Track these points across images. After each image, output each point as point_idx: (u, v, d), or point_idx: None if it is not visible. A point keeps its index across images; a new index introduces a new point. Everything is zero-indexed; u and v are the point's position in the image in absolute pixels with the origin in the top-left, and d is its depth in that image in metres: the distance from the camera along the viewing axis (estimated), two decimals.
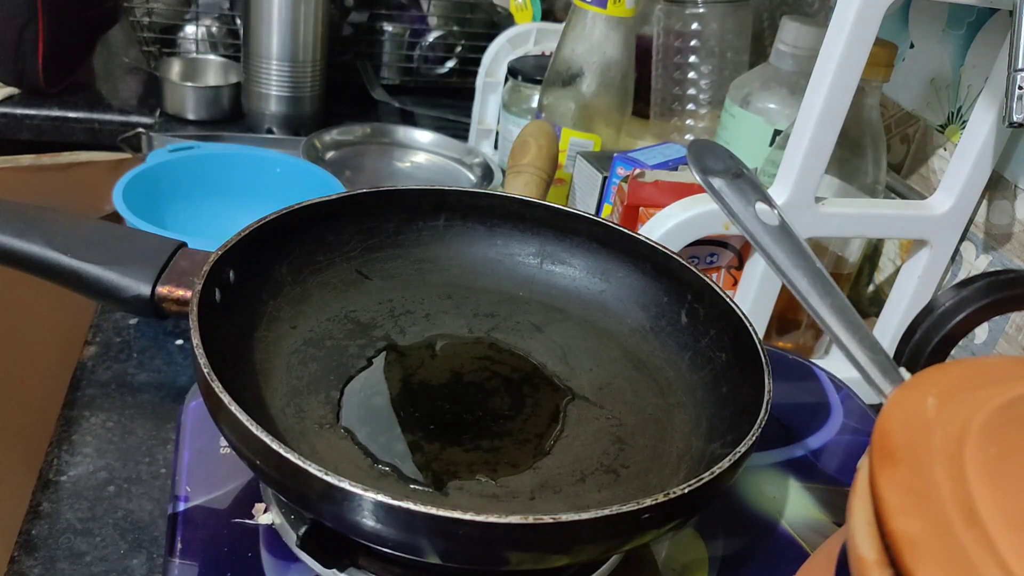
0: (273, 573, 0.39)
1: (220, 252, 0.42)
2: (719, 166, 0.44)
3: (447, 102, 1.08)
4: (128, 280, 0.43)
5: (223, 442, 0.45)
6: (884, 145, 0.64)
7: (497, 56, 0.93)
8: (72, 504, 0.47)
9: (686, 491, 0.33)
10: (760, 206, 0.42)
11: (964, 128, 0.60)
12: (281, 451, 0.32)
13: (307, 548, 0.39)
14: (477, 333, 0.50)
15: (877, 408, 0.26)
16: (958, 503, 0.21)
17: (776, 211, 0.42)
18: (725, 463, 0.34)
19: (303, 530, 0.39)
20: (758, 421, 0.37)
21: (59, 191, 1.01)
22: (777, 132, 0.67)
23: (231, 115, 0.99)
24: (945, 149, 0.69)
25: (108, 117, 1.02)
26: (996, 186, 0.63)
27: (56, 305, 0.84)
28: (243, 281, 0.44)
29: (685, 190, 0.60)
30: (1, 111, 1.00)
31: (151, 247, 0.44)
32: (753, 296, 0.60)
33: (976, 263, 0.65)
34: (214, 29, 1.08)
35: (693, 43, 0.77)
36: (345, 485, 0.31)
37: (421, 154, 0.91)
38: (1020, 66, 0.49)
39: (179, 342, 0.59)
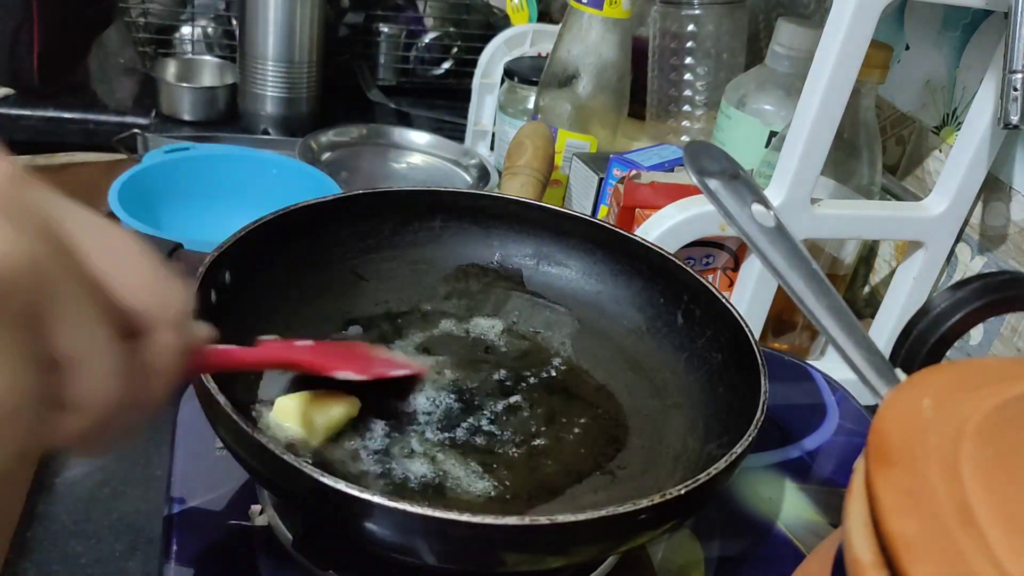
0: (269, 574, 0.39)
1: (216, 254, 0.42)
2: (715, 167, 0.44)
3: (443, 103, 1.08)
4: None
5: (218, 444, 0.45)
6: (880, 146, 0.64)
7: (493, 57, 0.93)
8: (67, 506, 0.47)
9: (682, 492, 0.33)
10: (756, 207, 0.42)
11: (959, 130, 0.60)
12: (276, 452, 0.32)
13: (303, 550, 0.39)
14: (473, 334, 0.50)
15: (873, 409, 0.26)
16: (954, 504, 0.21)
17: (772, 212, 0.42)
18: (721, 464, 0.34)
19: (299, 532, 0.39)
20: (754, 422, 0.37)
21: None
22: (773, 133, 0.67)
23: (227, 116, 0.99)
24: (940, 151, 0.69)
25: (103, 118, 1.02)
26: (991, 188, 0.63)
27: None
28: (239, 283, 0.44)
29: (681, 191, 0.60)
30: None
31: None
32: (749, 297, 0.60)
33: (971, 264, 0.65)
34: (210, 30, 1.07)
35: (689, 45, 0.77)
36: (341, 487, 0.31)
37: (417, 155, 0.91)
38: (1015, 67, 0.50)
39: None
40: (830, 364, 0.62)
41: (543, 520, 0.31)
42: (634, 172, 0.65)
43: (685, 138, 0.79)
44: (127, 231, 0.26)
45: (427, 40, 1.11)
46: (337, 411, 0.41)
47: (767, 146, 0.67)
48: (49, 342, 0.22)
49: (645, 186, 0.62)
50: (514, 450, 0.43)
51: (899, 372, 0.35)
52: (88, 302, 0.23)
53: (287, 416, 0.41)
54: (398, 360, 0.44)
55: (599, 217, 0.67)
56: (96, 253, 0.24)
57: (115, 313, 0.24)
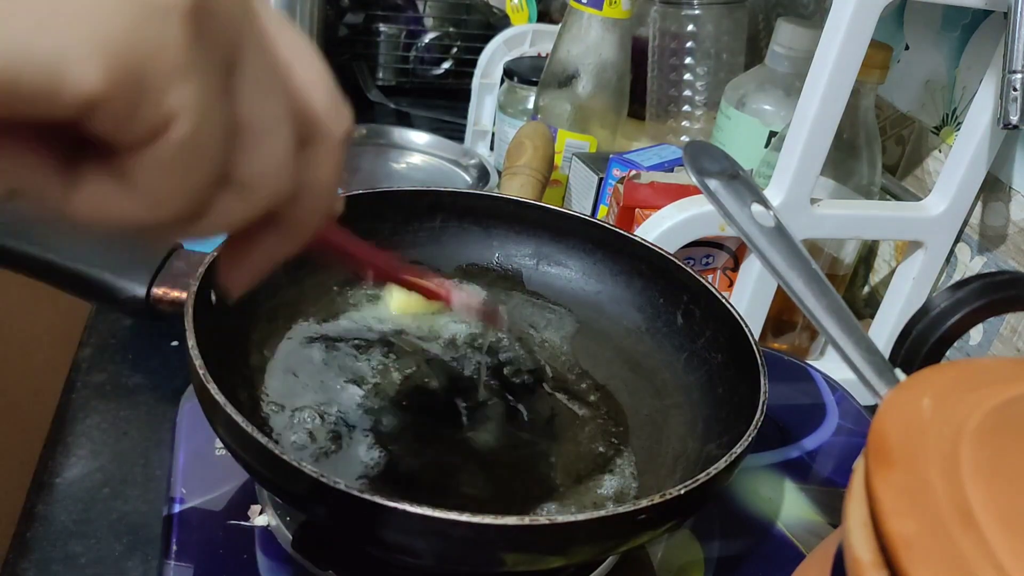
0: (268, 575, 0.39)
1: (216, 253, 0.42)
2: (715, 167, 0.44)
3: (443, 103, 1.08)
4: (123, 282, 0.43)
5: (218, 444, 0.45)
6: (879, 147, 0.64)
7: (493, 57, 0.93)
8: (67, 506, 0.47)
9: (682, 492, 0.33)
10: (756, 207, 0.42)
11: (959, 130, 0.60)
12: (276, 452, 0.32)
13: (303, 550, 0.39)
14: (473, 334, 0.50)
15: (872, 409, 0.26)
16: (953, 504, 0.21)
17: (772, 212, 0.42)
18: (721, 464, 0.34)
19: (298, 531, 0.39)
20: (754, 422, 0.37)
21: None
22: (773, 133, 0.67)
23: None
24: (940, 151, 0.69)
25: None
26: (991, 188, 0.63)
27: (51, 306, 0.84)
28: None
29: (681, 191, 0.60)
30: None
31: (146, 248, 0.44)
32: (749, 297, 0.60)
33: (971, 264, 0.65)
34: None
35: (689, 44, 0.77)
36: (340, 487, 0.31)
37: (417, 155, 0.91)
38: (1015, 67, 0.50)
39: (174, 343, 0.59)
40: (830, 364, 0.62)
41: (543, 520, 0.31)
42: (634, 172, 0.65)
43: (685, 138, 0.79)
44: (312, 47, 0.24)
45: (427, 40, 1.11)
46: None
47: (767, 146, 0.67)
48: (234, 99, 0.21)
49: (645, 186, 0.62)
50: (514, 450, 0.43)
51: (899, 372, 0.35)
52: (274, 71, 0.22)
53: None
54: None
55: (599, 217, 0.67)
56: (279, 38, 0.23)
57: (292, 104, 0.23)
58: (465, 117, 0.96)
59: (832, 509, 0.47)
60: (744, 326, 0.44)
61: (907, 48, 0.72)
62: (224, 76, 0.20)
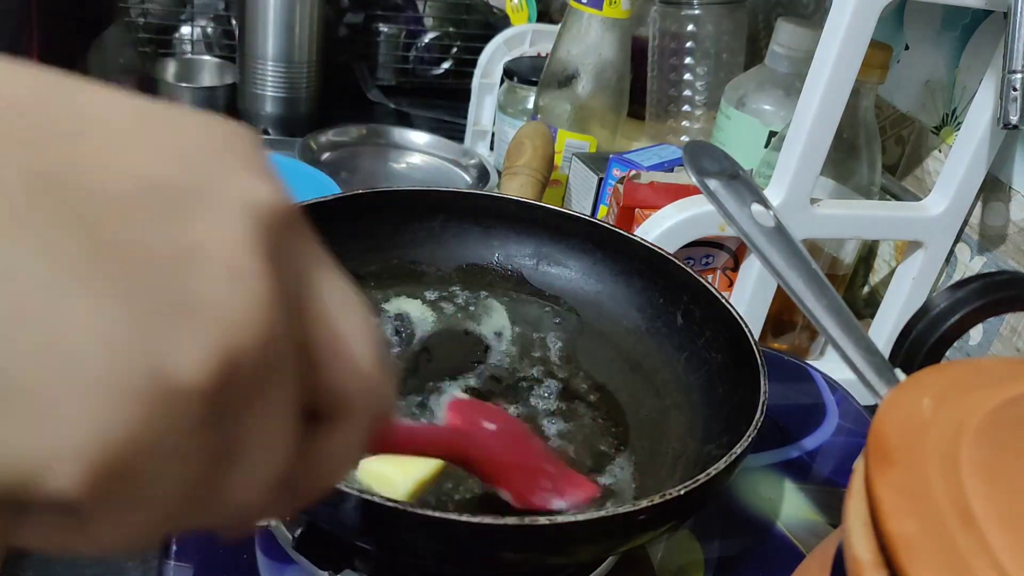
0: (268, 575, 0.39)
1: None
2: (715, 167, 0.44)
3: (443, 103, 1.08)
4: None
5: None
6: (879, 147, 0.64)
7: (493, 57, 0.93)
8: None
9: (682, 493, 0.33)
10: (756, 207, 0.42)
11: (959, 130, 0.60)
12: None
13: (303, 550, 0.39)
14: (473, 335, 0.50)
15: (872, 409, 0.26)
16: (953, 504, 0.21)
17: (772, 212, 0.42)
18: (721, 464, 0.34)
19: (299, 532, 0.39)
20: (753, 422, 0.37)
21: None
22: (772, 133, 0.67)
23: (227, 116, 0.99)
24: (940, 151, 0.69)
25: None
26: (991, 188, 0.63)
27: None
28: None
29: (681, 191, 0.60)
30: None
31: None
32: (749, 297, 0.60)
33: (971, 264, 0.65)
34: (209, 30, 1.07)
35: (689, 44, 0.77)
36: (340, 487, 0.31)
37: (417, 155, 0.91)
38: (1015, 67, 0.50)
39: None
40: (830, 364, 0.62)
41: (543, 520, 0.31)
42: (634, 172, 0.65)
43: (685, 138, 0.79)
44: (360, 298, 0.21)
45: (427, 40, 1.11)
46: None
47: (767, 146, 0.67)
48: (234, 424, 0.18)
49: (645, 186, 0.62)
50: None
51: (898, 372, 0.35)
52: (295, 389, 0.19)
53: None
54: (571, 476, 0.37)
55: (599, 217, 0.67)
56: (327, 322, 0.20)
57: (310, 393, 0.20)
58: (465, 117, 0.96)
59: (832, 509, 0.47)
60: (744, 326, 0.44)
61: (907, 48, 0.72)
62: (227, 417, 0.17)
